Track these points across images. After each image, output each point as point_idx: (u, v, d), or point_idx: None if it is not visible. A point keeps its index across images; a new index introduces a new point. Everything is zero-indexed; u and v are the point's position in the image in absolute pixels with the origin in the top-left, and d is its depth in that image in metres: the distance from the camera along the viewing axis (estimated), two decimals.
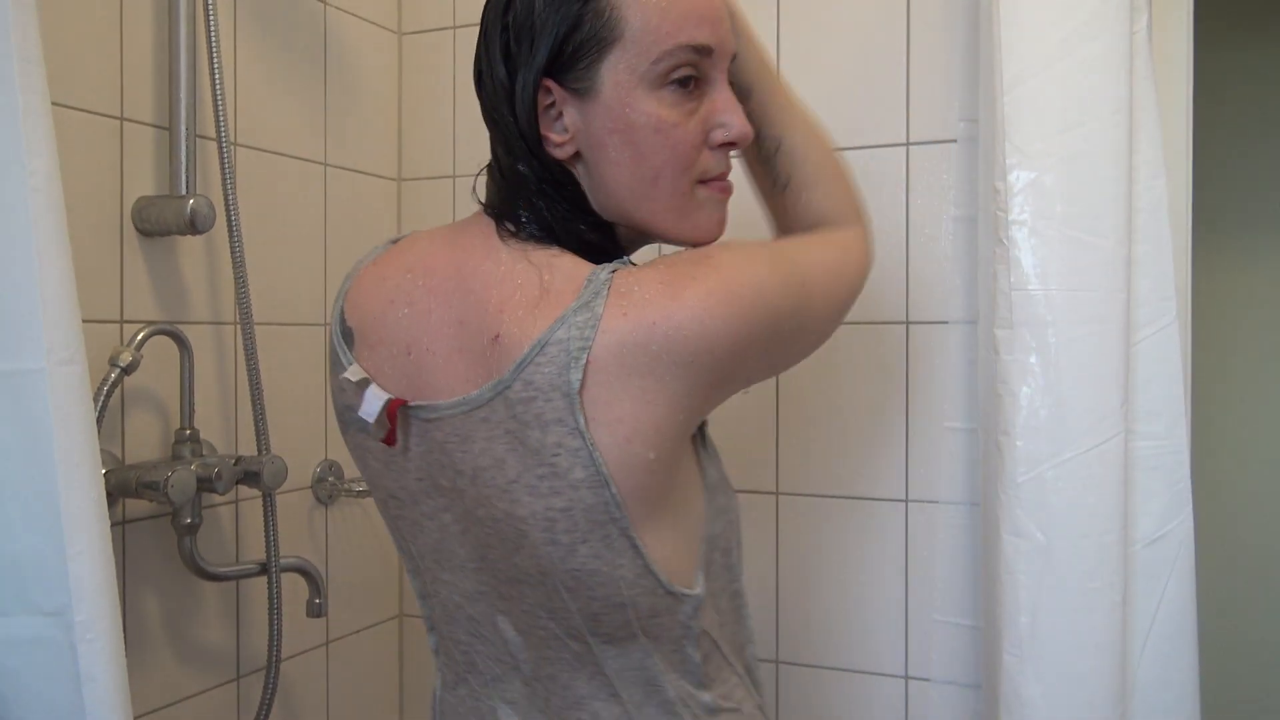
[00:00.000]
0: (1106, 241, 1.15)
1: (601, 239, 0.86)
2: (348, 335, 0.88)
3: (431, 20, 1.72)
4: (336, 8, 1.61)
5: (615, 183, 0.84)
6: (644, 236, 0.89)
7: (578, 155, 0.84)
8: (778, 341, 0.83)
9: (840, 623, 1.48)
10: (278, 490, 1.39)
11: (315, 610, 1.46)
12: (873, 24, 1.45)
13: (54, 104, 0.93)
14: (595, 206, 0.86)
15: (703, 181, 0.86)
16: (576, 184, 0.85)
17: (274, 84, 1.50)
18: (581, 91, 0.81)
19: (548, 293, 0.78)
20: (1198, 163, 1.35)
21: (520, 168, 0.85)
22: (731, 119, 0.85)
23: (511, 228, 0.84)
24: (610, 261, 0.81)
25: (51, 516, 0.89)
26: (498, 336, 0.78)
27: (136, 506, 1.28)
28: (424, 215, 1.74)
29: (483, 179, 0.92)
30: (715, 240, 0.88)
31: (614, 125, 0.81)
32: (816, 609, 1.49)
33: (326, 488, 1.59)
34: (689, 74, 0.82)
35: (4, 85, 0.88)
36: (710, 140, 0.85)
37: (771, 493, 1.51)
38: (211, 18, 1.29)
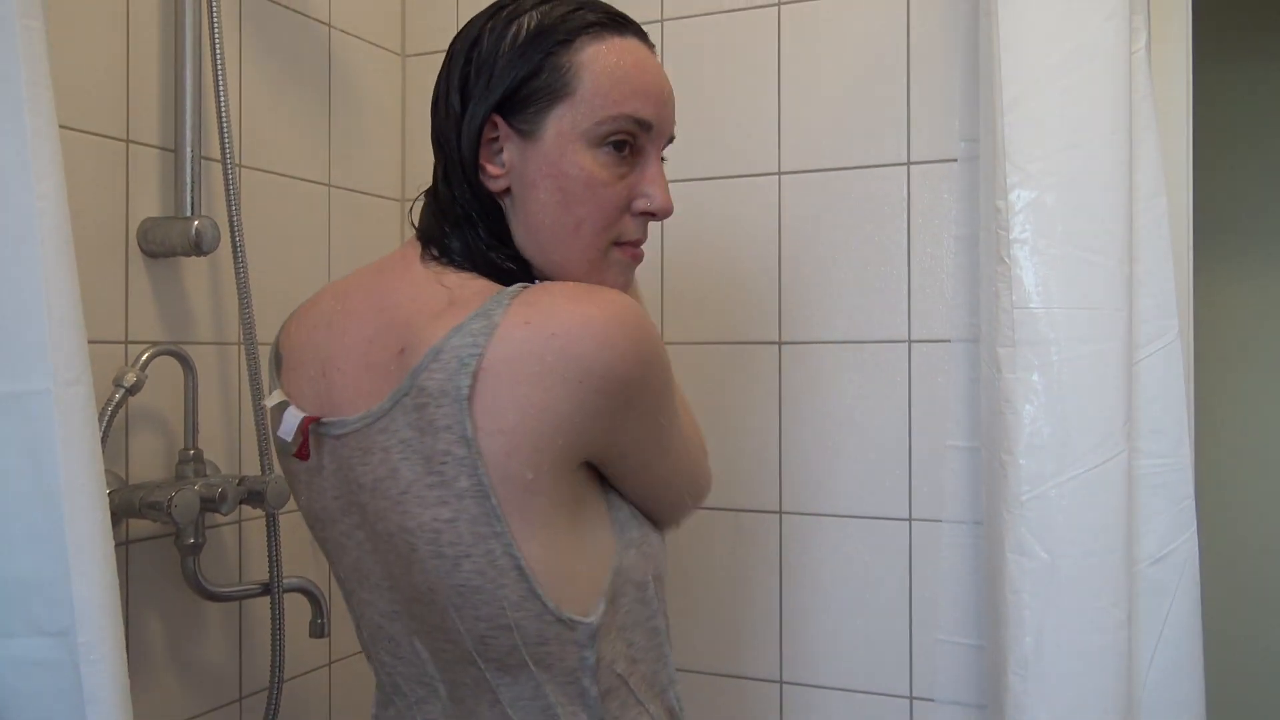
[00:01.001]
0: (1108, 260, 1.16)
1: (518, 271, 0.89)
2: (278, 362, 0.93)
3: (434, 42, 1.73)
4: (340, 30, 1.63)
5: (539, 223, 0.88)
6: (544, 275, 0.91)
7: (508, 191, 0.88)
8: (654, 428, 0.86)
9: (844, 643, 1.47)
10: (281, 510, 1.39)
11: (318, 630, 1.46)
12: (873, 45, 1.46)
13: (61, 126, 0.94)
14: (516, 242, 0.90)
15: (618, 243, 0.90)
16: (503, 216, 0.89)
17: (278, 106, 1.51)
18: (525, 133, 0.86)
19: (452, 305, 0.82)
20: (1198, 180, 1.36)
21: (454, 193, 0.89)
22: (655, 191, 0.90)
23: (435, 251, 0.88)
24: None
25: (56, 537, 0.89)
26: (403, 350, 0.82)
27: (140, 527, 1.28)
28: None
29: (419, 205, 0.96)
30: None
31: (549, 170, 0.86)
32: (820, 629, 1.49)
33: None
34: (625, 139, 0.87)
35: (12, 108, 0.89)
36: (633, 207, 0.90)
37: (775, 512, 1.51)
38: (217, 41, 1.30)
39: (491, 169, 0.87)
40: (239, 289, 1.34)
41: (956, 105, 1.39)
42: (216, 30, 1.30)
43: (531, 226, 0.88)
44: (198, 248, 1.27)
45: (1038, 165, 1.17)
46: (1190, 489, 1.22)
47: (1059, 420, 1.15)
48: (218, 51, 1.30)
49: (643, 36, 0.90)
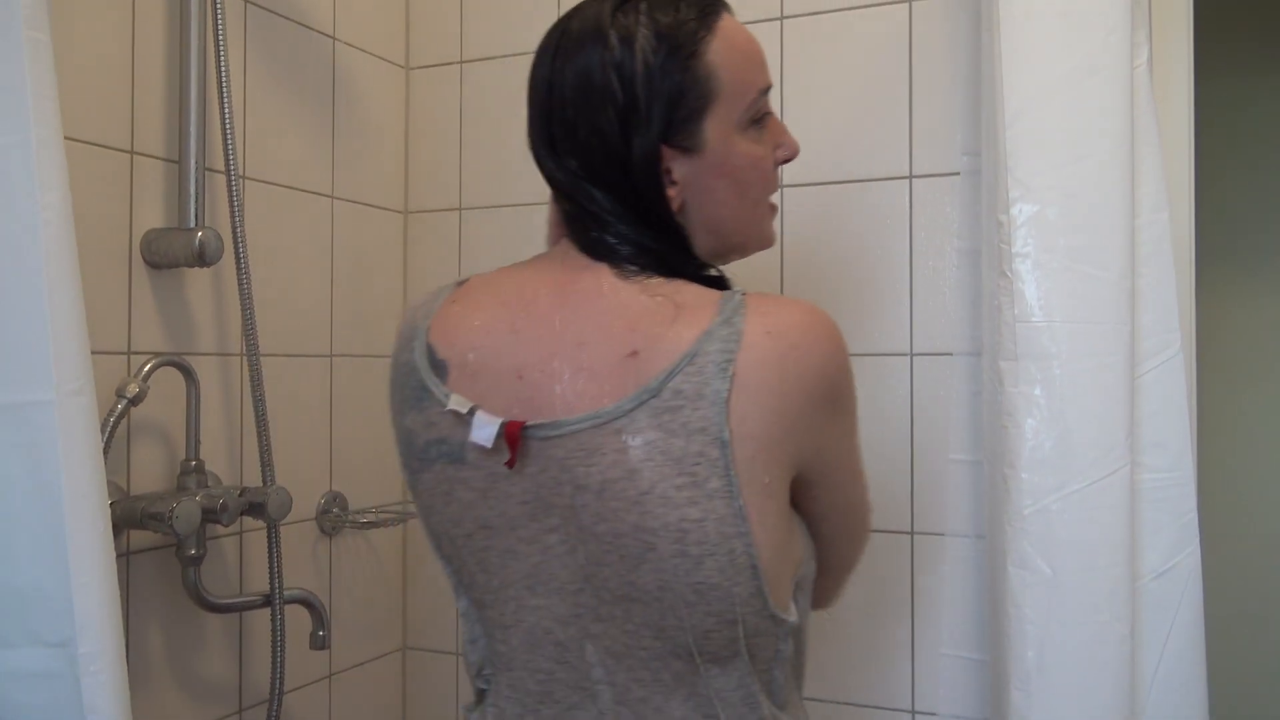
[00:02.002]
0: (1110, 274, 1.16)
1: (712, 275, 0.93)
2: (439, 369, 0.90)
3: (438, 55, 1.74)
4: (345, 43, 1.63)
5: (721, 218, 0.92)
6: (723, 260, 0.97)
7: (682, 204, 0.91)
8: (850, 445, 0.93)
9: (846, 657, 1.47)
10: (282, 522, 1.39)
11: (318, 643, 1.45)
12: (876, 59, 1.46)
13: (65, 138, 0.94)
14: (695, 244, 0.93)
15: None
16: (682, 229, 0.91)
17: (283, 118, 1.52)
18: (689, 149, 0.88)
19: (682, 310, 0.83)
20: (1200, 194, 1.36)
21: (636, 223, 0.89)
22: (788, 138, 0.97)
23: (634, 268, 0.88)
24: (723, 290, 0.88)
25: (58, 548, 0.89)
26: (635, 352, 0.82)
27: (141, 538, 1.28)
28: (430, 247, 1.75)
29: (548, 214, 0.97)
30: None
31: (721, 171, 0.90)
32: (823, 643, 1.48)
33: (331, 519, 1.59)
34: (765, 112, 0.93)
35: (18, 119, 0.89)
36: (775, 159, 0.96)
37: None
38: (221, 53, 1.31)
39: (670, 193, 0.89)
40: (242, 300, 1.35)
41: (958, 119, 1.40)
42: (221, 42, 1.31)
43: (712, 225, 0.92)
44: (201, 259, 1.28)
45: (1040, 179, 1.17)
46: (1193, 503, 1.22)
47: (1061, 434, 1.15)
48: (222, 63, 1.31)
49: (724, 6, 0.93)
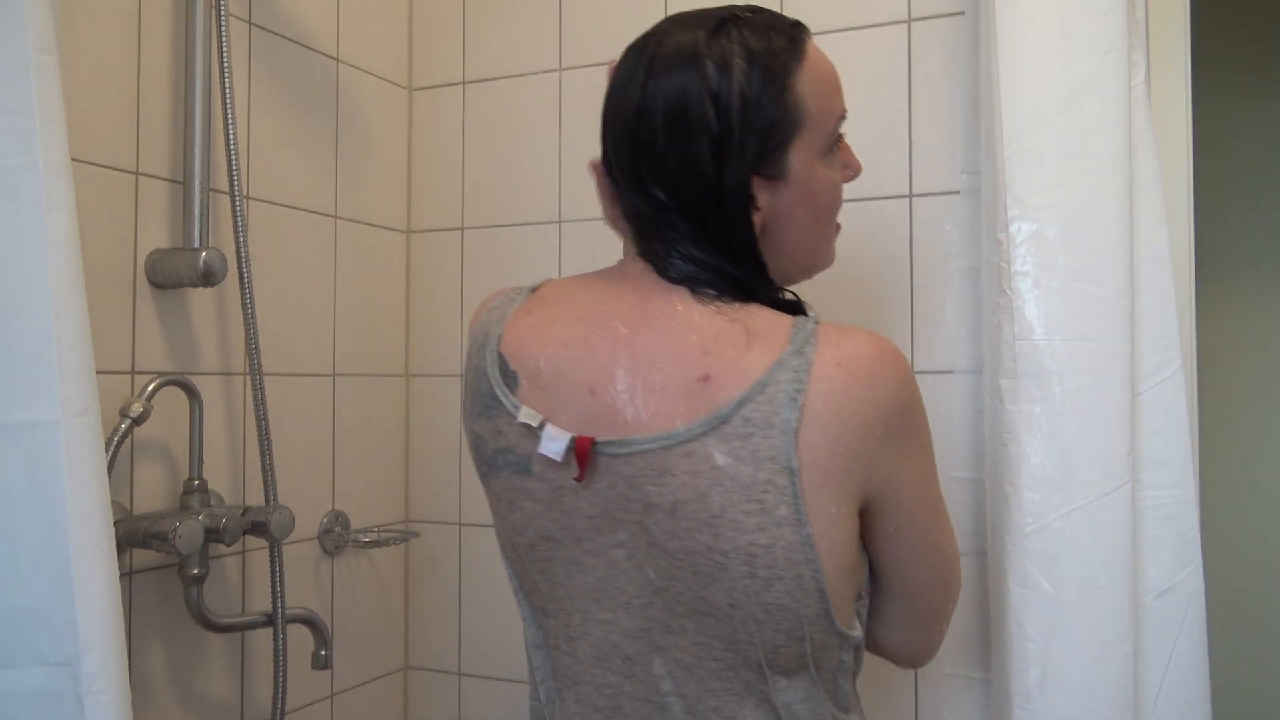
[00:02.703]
0: (1109, 292, 1.16)
1: (788, 299, 0.94)
2: (510, 379, 0.90)
3: (441, 76, 1.75)
4: (348, 64, 1.65)
5: (798, 242, 0.93)
6: (791, 283, 0.97)
7: (763, 228, 0.91)
8: (922, 478, 0.91)
9: None
10: (284, 541, 1.39)
11: (321, 662, 1.45)
12: (875, 78, 1.47)
13: (72, 159, 0.95)
14: (771, 268, 0.93)
15: None
16: (761, 254, 0.92)
17: (286, 138, 1.53)
18: (775, 176, 0.89)
19: (754, 336, 0.84)
20: (1199, 212, 1.36)
21: (717, 249, 0.90)
22: (853, 159, 0.98)
23: (711, 292, 0.89)
24: (795, 315, 0.89)
25: (61, 567, 0.89)
26: (707, 376, 0.83)
27: (144, 557, 1.28)
28: (432, 267, 1.75)
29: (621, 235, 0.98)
30: None
31: (802, 198, 0.91)
32: None
33: (333, 538, 1.59)
34: (839, 136, 0.94)
35: (25, 141, 0.90)
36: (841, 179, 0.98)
37: None
38: (226, 74, 1.32)
39: (754, 219, 0.89)
40: (245, 320, 1.35)
41: (958, 138, 1.40)
42: (226, 64, 1.32)
43: (788, 249, 0.93)
44: (205, 279, 1.28)
45: (1039, 198, 1.17)
46: (1195, 520, 1.22)
47: (1062, 452, 1.15)
48: (227, 85, 1.32)
49: (807, 31, 0.93)
